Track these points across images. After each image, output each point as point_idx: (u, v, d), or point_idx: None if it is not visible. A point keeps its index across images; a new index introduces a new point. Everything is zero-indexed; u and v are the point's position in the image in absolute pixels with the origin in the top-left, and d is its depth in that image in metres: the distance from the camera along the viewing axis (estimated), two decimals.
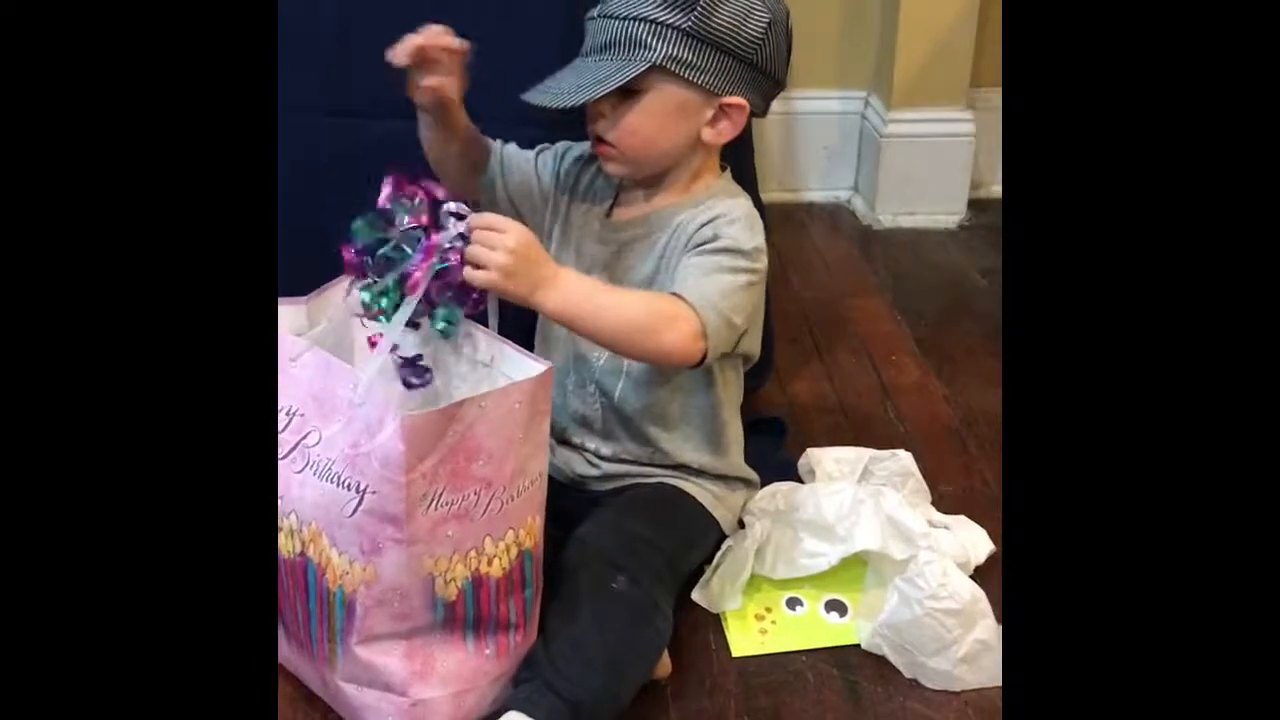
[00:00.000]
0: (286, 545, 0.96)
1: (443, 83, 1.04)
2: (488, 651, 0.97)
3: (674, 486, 1.14)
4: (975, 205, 2.06)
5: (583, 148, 1.16)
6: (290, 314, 0.99)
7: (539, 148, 1.18)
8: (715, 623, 1.14)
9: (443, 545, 0.92)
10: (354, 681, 0.96)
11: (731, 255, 1.05)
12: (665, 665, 1.06)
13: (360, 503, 0.90)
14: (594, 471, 1.15)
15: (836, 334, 1.68)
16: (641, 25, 1.03)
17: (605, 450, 1.15)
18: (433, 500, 0.90)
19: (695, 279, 1.04)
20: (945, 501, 1.27)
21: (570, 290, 0.99)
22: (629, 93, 1.05)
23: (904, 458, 1.28)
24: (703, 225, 1.07)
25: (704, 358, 1.03)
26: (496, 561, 0.95)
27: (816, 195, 2.15)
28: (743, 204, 1.11)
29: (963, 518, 1.23)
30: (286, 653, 1.03)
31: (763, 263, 1.08)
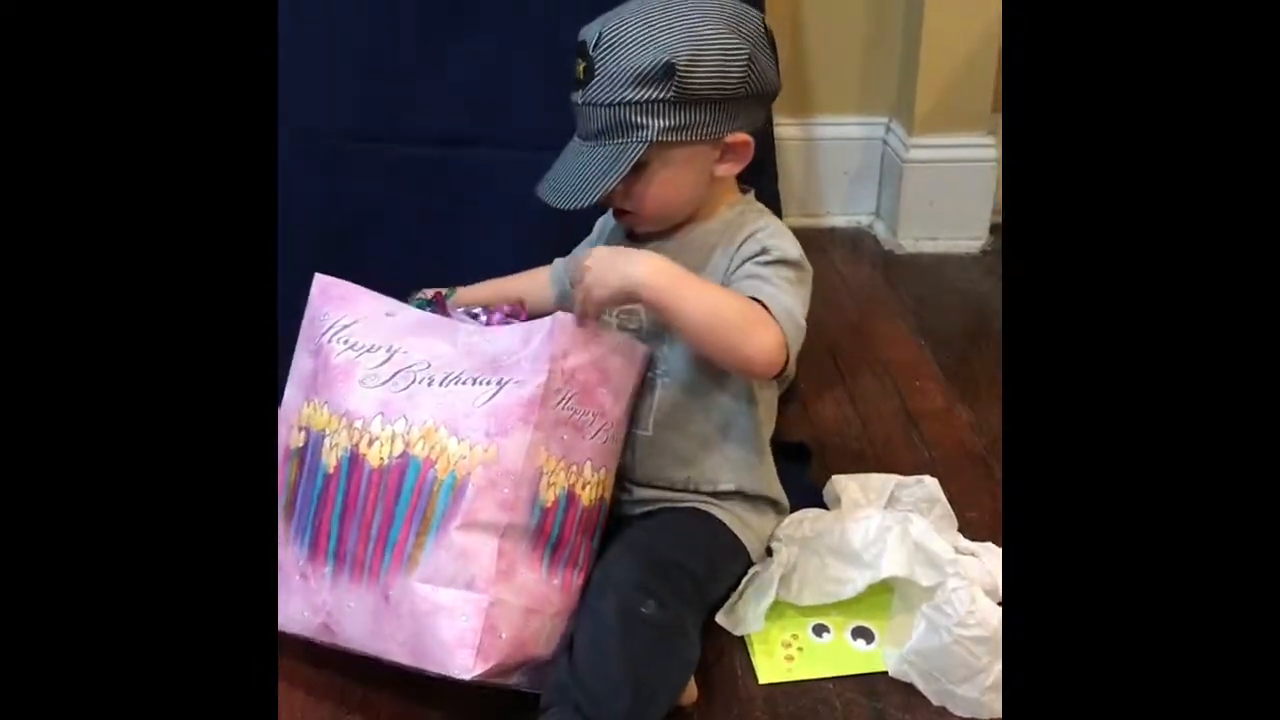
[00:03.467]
0: (380, 453, 1.00)
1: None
2: (556, 581, 1.02)
3: (703, 511, 1.14)
4: (998, 230, 2.06)
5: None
6: (376, 297, 1.13)
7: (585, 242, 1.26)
8: (742, 649, 1.14)
9: (556, 444, 1.01)
10: (433, 581, 0.97)
11: (788, 267, 1.06)
12: (692, 692, 1.05)
13: (497, 392, 1.00)
14: (626, 496, 1.15)
15: (860, 359, 1.68)
16: (627, 109, 1.03)
17: (639, 474, 1.14)
18: (563, 399, 1.01)
19: (766, 289, 1.04)
20: (972, 528, 1.26)
21: (660, 263, 1.02)
22: (636, 167, 1.06)
23: (930, 484, 1.27)
24: (744, 241, 1.09)
25: (781, 370, 1.03)
26: (588, 490, 1.05)
27: (838, 220, 2.15)
28: (774, 220, 1.13)
29: (990, 545, 1.21)
30: (326, 597, 1.02)
31: (810, 272, 1.09)
